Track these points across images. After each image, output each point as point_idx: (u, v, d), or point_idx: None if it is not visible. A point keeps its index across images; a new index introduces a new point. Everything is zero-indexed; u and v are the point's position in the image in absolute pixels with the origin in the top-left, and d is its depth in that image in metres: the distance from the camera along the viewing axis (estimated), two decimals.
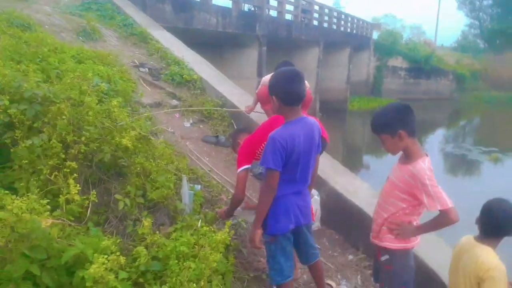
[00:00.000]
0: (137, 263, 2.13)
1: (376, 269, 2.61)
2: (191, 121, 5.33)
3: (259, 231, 2.42)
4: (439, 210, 2.13)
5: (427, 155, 2.26)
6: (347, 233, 3.77)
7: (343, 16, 23.34)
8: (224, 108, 5.70)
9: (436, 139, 16.05)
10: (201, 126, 5.36)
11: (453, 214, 2.13)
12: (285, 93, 2.31)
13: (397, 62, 26.68)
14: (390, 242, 2.36)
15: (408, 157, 2.26)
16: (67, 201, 2.30)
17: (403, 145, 2.23)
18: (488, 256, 2.13)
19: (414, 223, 2.33)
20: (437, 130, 18.30)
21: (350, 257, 3.52)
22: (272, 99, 2.37)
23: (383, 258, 2.42)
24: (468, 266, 2.18)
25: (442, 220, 2.17)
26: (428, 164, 2.20)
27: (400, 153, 2.32)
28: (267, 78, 4.48)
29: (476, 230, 2.24)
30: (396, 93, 25.91)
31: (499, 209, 2.15)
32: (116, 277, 1.88)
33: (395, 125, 2.21)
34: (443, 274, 2.88)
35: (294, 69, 2.41)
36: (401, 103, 2.34)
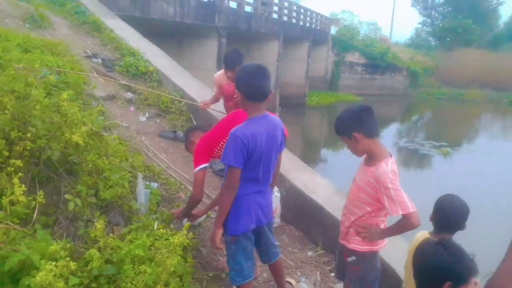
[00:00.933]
0: (89, 267, 2.01)
1: (340, 267, 2.63)
2: (147, 115, 5.16)
3: (220, 231, 2.36)
4: (401, 215, 2.13)
5: (391, 156, 2.27)
6: (307, 229, 3.79)
7: (302, 10, 23.49)
8: (180, 99, 5.54)
9: (390, 134, 16.59)
10: (157, 120, 5.21)
11: (415, 219, 2.13)
12: (250, 89, 2.26)
13: (354, 57, 27.29)
14: (357, 245, 2.38)
15: (371, 159, 2.27)
16: (12, 203, 2.13)
17: (362, 147, 2.24)
18: None
19: (382, 225, 2.34)
20: (391, 125, 18.94)
21: (310, 253, 3.55)
22: (237, 94, 2.32)
23: (350, 259, 2.44)
24: None
25: (404, 225, 2.17)
26: (392, 166, 2.19)
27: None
28: (217, 74, 4.42)
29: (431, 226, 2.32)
30: (353, 88, 26.55)
31: (450, 206, 2.24)
32: (66, 283, 1.77)
33: (350, 128, 2.22)
34: (399, 269, 2.95)
35: (259, 65, 2.34)
36: (362, 105, 2.33)
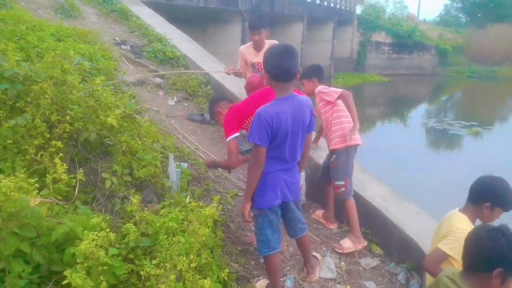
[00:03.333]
0: (126, 239, 2.15)
1: (325, 172, 3.55)
2: (175, 99, 5.30)
3: (248, 205, 2.48)
4: (338, 97, 3.31)
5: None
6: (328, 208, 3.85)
7: None
8: (206, 71, 5.65)
9: (418, 114, 16.28)
10: (185, 104, 5.34)
11: (346, 92, 3.32)
12: (276, 69, 2.31)
13: (380, 37, 26.60)
14: (334, 145, 3.37)
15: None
16: (54, 180, 2.30)
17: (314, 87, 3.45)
18: (459, 221, 2.25)
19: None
20: (419, 105, 18.55)
21: (334, 230, 3.63)
22: (264, 74, 2.39)
23: (332, 158, 3.38)
24: (442, 231, 2.30)
25: (346, 102, 3.32)
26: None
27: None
28: (243, 46, 4.50)
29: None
30: (380, 68, 25.96)
31: (488, 179, 2.29)
32: (106, 254, 1.91)
33: (313, 74, 3.50)
34: (422, 243, 3.01)
35: (286, 45, 2.39)
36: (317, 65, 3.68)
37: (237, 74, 4.70)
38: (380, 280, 3.06)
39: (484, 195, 2.27)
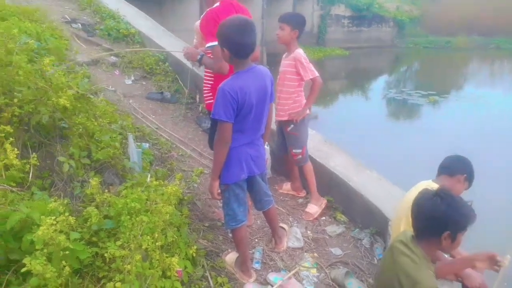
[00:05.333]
0: (88, 223, 2.10)
1: (279, 144, 3.64)
2: (132, 78, 5.13)
3: (216, 183, 2.46)
4: (311, 79, 3.28)
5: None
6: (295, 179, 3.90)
7: None
8: (163, 50, 5.49)
9: (379, 86, 16.62)
10: (143, 83, 5.19)
11: (320, 80, 3.30)
12: (238, 46, 2.23)
13: (340, 10, 26.70)
14: (295, 115, 3.36)
15: (289, 50, 3.34)
16: (6, 167, 2.18)
17: (289, 38, 3.28)
18: None
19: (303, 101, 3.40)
20: (379, 77, 18.92)
21: (300, 200, 3.69)
22: (222, 50, 2.28)
23: (289, 128, 3.43)
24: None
25: (314, 87, 3.33)
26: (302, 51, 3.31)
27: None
28: (198, 22, 4.36)
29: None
30: (340, 42, 26.15)
31: (458, 156, 2.49)
32: (68, 238, 1.85)
33: (296, 23, 3.29)
34: (384, 208, 3.11)
35: (245, 19, 2.28)
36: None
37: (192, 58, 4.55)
38: (346, 246, 3.16)
39: (463, 168, 2.41)
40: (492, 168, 5.98)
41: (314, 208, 3.49)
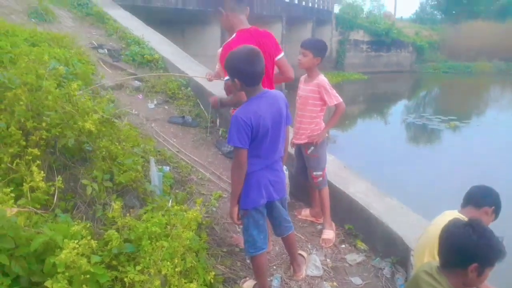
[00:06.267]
0: (109, 246, 2.12)
1: (299, 168, 3.63)
2: (155, 102, 5.24)
3: (236, 208, 2.46)
4: (335, 104, 3.31)
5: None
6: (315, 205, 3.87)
7: None
8: (186, 75, 5.60)
9: (398, 110, 16.53)
10: (166, 107, 5.29)
11: (343, 105, 3.34)
12: (248, 76, 2.28)
13: (359, 35, 26.92)
14: (316, 137, 3.37)
15: (311, 75, 3.39)
16: (32, 189, 2.24)
17: (311, 63, 3.33)
18: None
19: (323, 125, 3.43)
20: (398, 102, 18.82)
21: (319, 227, 3.64)
22: (233, 81, 2.33)
23: (309, 150, 3.44)
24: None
25: (337, 112, 3.36)
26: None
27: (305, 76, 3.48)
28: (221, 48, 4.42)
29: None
30: (359, 66, 26.28)
31: (486, 186, 2.41)
32: (89, 262, 1.87)
33: (319, 52, 3.34)
34: (406, 238, 3.04)
35: (252, 49, 2.33)
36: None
37: (218, 78, 4.64)
38: (366, 276, 3.09)
39: (491, 200, 2.34)
40: None
41: (331, 234, 3.46)
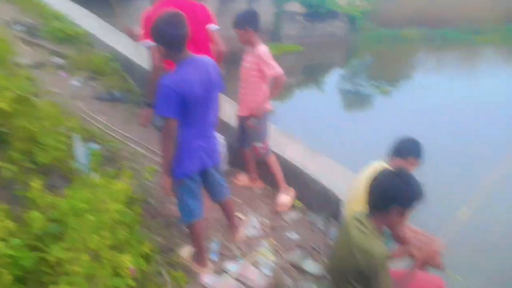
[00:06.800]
0: (33, 228, 2.01)
1: (240, 137, 3.62)
2: (80, 79, 4.95)
3: (168, 178, 2.43)
4: (274, 76, 3.27)
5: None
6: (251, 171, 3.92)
7: None
8: None
9: (333, 79, 16.95)
10: (93, 84, 5.01)
11: (283, 77, 3.29)
12: (171, 39, 2.23)
13: (294, 7, 27.07)
14: (258, 110, 3.37)
15: (253, 46, 3.35)
16: None
17: (249, 38, 3.32)
18: None
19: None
20: (333, 71, 19.29)
21: (257, 191, 3.70)
22: (158, 47, 2.28)
23: (251, 122, 3.44)
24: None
25: (277, 83, 3.32)
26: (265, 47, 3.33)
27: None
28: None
29: None
30: (295, 38, 26.37)
31: (410, 138, 2.58)
32: (8, 246, 1.77)
33: (248, 23, 3.31)
34: (337, 191, 3.18)
35: (174, 13, 2.28)
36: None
37: (132, 37, 4.42)
38: (302, 231, 3.22)
39: (414, 149, 2.51)
40: (440, 147, 6.25)
41: (285, 198, 3.52)
